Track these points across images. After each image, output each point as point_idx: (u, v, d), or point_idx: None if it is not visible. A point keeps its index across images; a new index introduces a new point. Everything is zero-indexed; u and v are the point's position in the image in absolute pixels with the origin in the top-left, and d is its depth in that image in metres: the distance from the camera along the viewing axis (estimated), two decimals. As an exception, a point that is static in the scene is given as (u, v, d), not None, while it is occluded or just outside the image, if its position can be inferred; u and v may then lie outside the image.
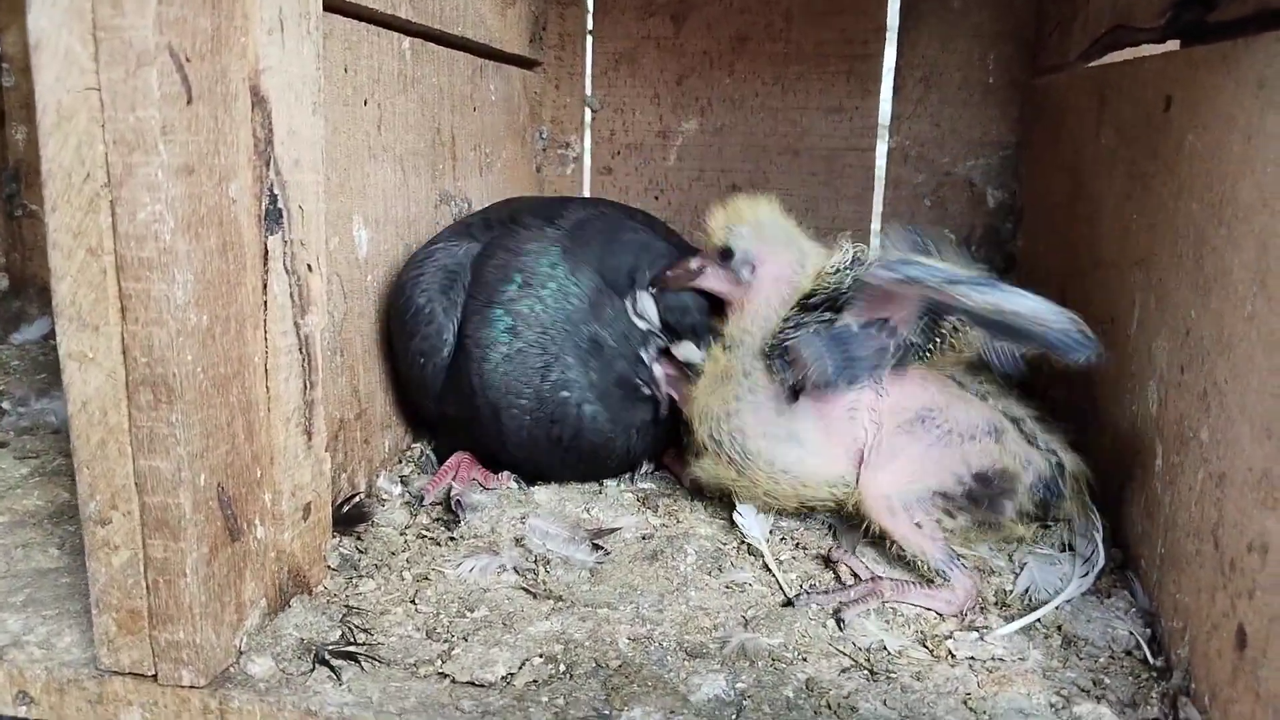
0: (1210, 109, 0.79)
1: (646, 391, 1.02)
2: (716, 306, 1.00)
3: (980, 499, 0.89)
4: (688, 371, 0.99)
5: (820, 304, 0.92)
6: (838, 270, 0.92)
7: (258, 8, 0.73)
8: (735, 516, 0.97)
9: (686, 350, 1.00)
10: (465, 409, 1.03)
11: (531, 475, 1.07)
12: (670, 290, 1.01)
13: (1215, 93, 0.78)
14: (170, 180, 0.65)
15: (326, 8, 0.87)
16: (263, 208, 0.75)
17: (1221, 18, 0.81)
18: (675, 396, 1.01)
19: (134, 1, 0.62)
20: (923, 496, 0.89)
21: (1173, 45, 0.97)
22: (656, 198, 1.70)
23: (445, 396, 1.05)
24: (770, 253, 0.95)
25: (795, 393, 0.92)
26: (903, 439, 0.90)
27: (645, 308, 1.01)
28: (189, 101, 0.66)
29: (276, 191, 0.76)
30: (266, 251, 0.76)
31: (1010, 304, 0.81)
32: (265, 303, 0.77)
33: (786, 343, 0.91)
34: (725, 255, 0.97)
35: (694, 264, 0.99)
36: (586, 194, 1.74)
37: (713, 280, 0.98)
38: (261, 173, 0.75)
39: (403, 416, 1.15)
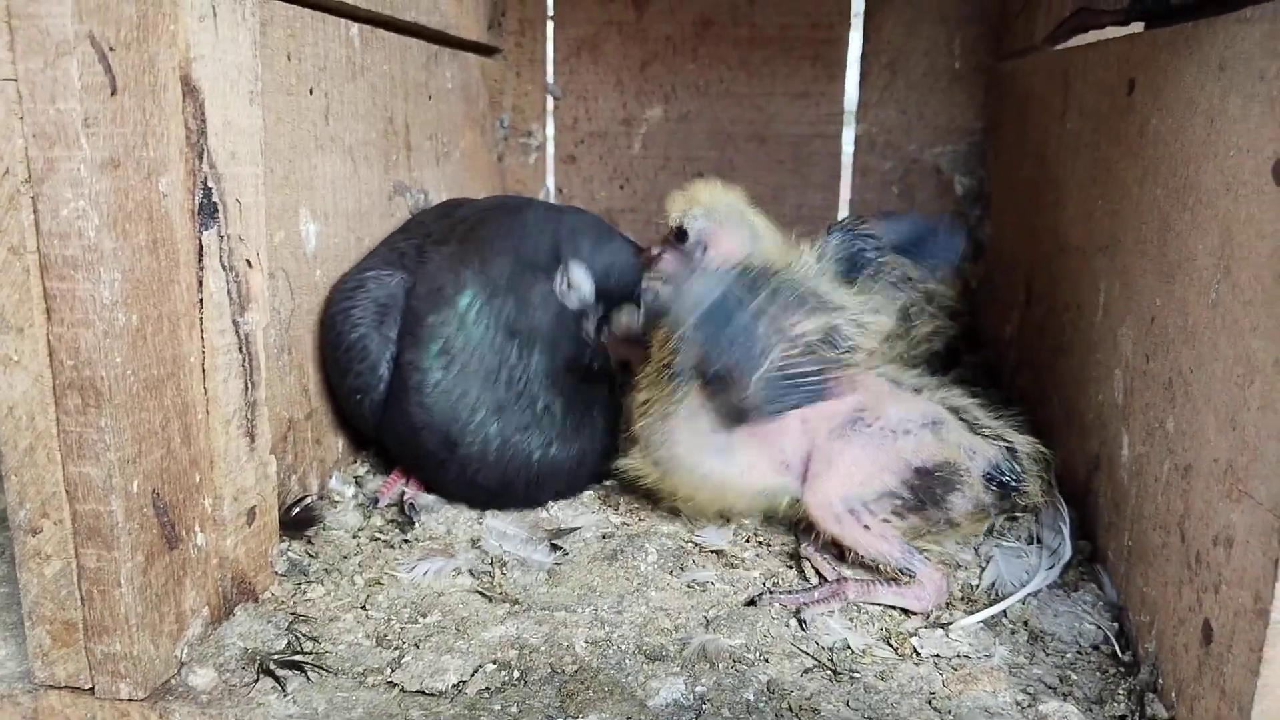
0: (1173, 92, 0.77)
1: (597, 366, 0.97)
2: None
3: (925, 495, 0.87)
4: (629, 340, 0.96)
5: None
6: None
7: (188, -7, 0.70)
8: (694, 537, 0.95)
9: (627, 317, 0.95)
10: (408, 444, 0.98)
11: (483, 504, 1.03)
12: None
13: (1177, 75, 0.77)
14: (94, 175, 0.62)
15: (266, -7, 0.84)
16: (196, 202, 0.72)
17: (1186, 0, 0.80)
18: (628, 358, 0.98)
19: (50, -14, 0.59)
20: (867, 499, 0.86)
21: (1137, 28, 0.95)
22: (621, 186, 1.68)
23: (385, 429, 1.00)
24: (722, 234, 0.95)
25: (739, 415, 0.88)
26: (837, 444, 0.87)
27: (577, 278, 0.94)
28: (113, 93, 0.63)
29: (211, 185, 0.73)
30: (201, 247, 0.73)
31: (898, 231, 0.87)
32: (201, 301, 0.74)
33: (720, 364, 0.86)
34: (680, 237, 0.97)
35: (654, 249, 1.00)
36: (551, 183, 1.71)
37: (670, 264, 0.98)
38: (194, 166, 0.72)
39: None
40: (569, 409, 0.97)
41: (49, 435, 0.66)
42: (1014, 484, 0.89)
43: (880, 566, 0.85)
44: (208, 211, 0.73)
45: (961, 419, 0.90)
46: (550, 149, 1.70)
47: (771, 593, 0.84)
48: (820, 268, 0.93)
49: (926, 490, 0.87)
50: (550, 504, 1.02)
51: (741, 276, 0.87)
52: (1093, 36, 1.12)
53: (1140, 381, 0.82)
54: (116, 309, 0.64)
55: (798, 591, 0.85)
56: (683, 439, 0.89)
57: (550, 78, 1.66)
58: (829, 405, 0.88)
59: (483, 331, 0.94)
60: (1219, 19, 0.70)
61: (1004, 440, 0.90)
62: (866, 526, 0.86)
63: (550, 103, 1.68)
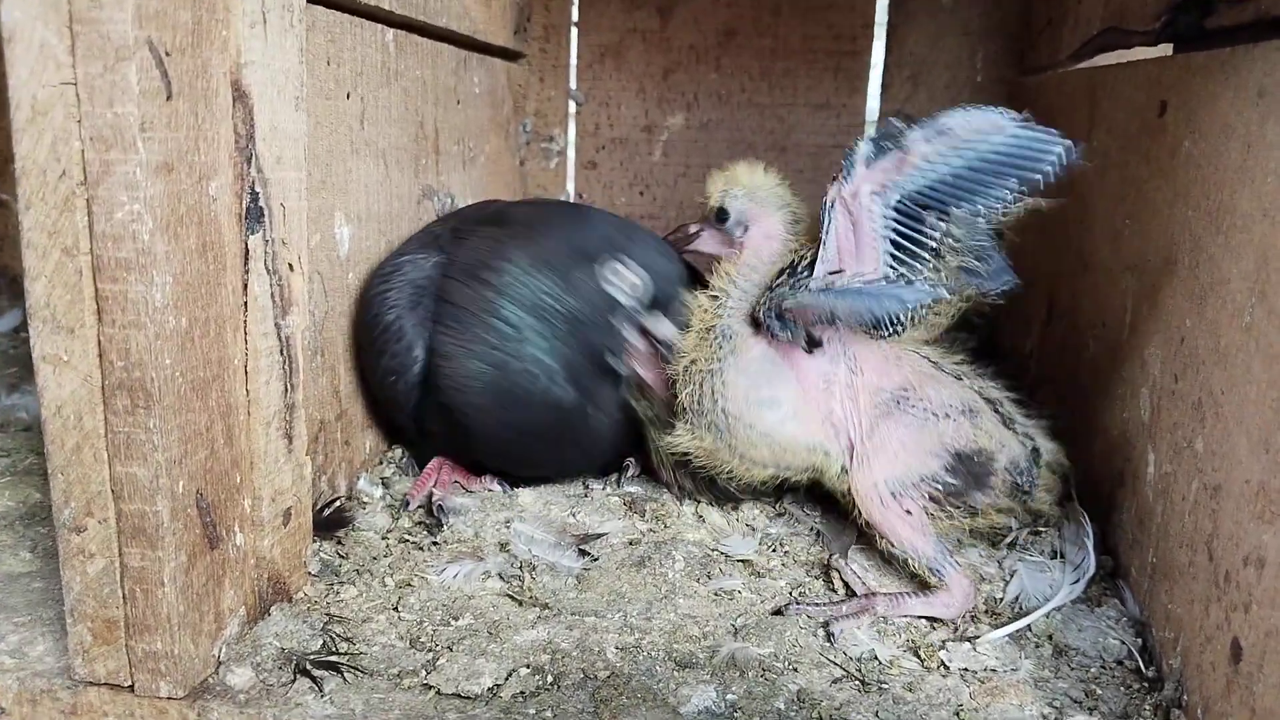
0: (1208, 116, 0.78)
1: (616, 365, 0.98)
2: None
3: (965, 479, 0.88)
4: (662, 350, 0.97)
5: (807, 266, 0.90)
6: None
7: (240, 0, 0.71)
8: (720, 546, 0.96)
9: (657, 323, 0.97)
10: (442, 419, 1.00)
11: (515, 475, 1.05)
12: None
13: (1213, 100, 0.78)
14: (149, 178, 0.63)
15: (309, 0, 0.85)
16: (243, 206, 0.73)
17: (1219, 23, 0.81)
18: (644, 376, 0.98)
19: (112, -7, 0.60)
20: (910, 481, 0.88)
21: (1166, 49, 0.96)
22: (641, 193, 1.69)
23: (421, 411, 1.02)
24: (763, 213, 0.96)
25: (811, 343, 0.90)
26: (887, 424, 0.88)
27: (620, 274, 0.97)
28: (169, 97, 0.64)
29: (258, 189, 0.74)
30: (247, 251, 0.74)
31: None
32: (246, 304, 0.75)
33: (784, 304, 0.88)
34: (720, 217, 0.97)
35: (692, 228, 1.01)
36: (571, 188, 1.72)
37: (708, 243, 1.00)
38: (242, 170, 0.73)
39: (383, 417, 1.13)
40: (589, 392, 0.99)
41: (96, 435, 0.67)
42: (1026, 488, 0.90)
43: (910, 563, 0.86)
44: (254, 215, 0.74)
45: (996, 411, 0.91)
46: (571, 154, 1.71)
47: (799, 603, 0.85)
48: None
49: (966, 475, 0.88)
50: (590, 491, 1.06)
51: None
52: (1119, 55, 1.13)
53: (1168, 401, 0.82)
54: (167, 311, 0.65)
55: (825, 604, 0.86)
56: (734, 394, 0.90)
57: (573, 84, 1.67)
58: (873, 378, 0.90)
59: (528, 299, 0.96)
60: (1257, 46, 0.71)
61: (1031, 441, 0.91)
62: (908, 512, 0.87)
63: (572, 108, 1.69)
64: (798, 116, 1.62)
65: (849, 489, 0.90)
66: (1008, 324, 1.54)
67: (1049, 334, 1.27)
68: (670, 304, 0.98)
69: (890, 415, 0.89)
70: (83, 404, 0.66)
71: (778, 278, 0.92)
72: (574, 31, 1.65)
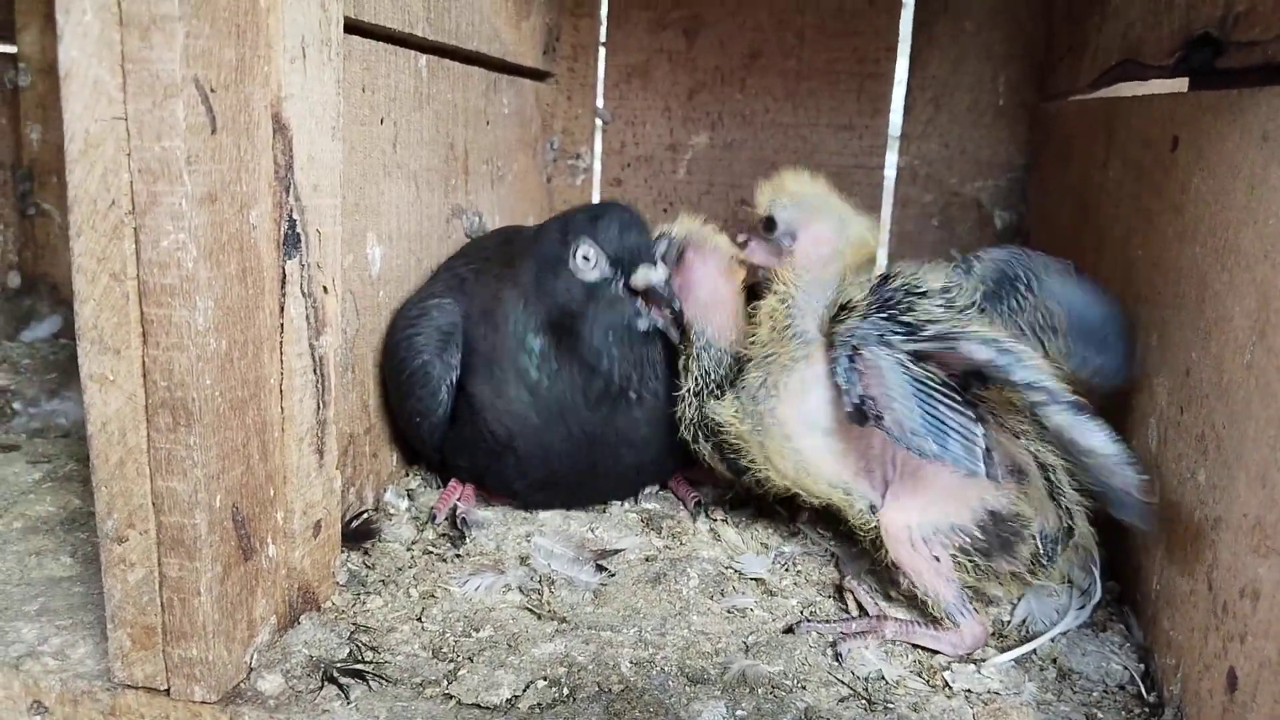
0: (1216, 154, 0.80)
1: (643, 326, 0.99)
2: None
3: (994, 540, 0.87)
4: (666, 300, 0.98)
5: (892, 307, 0.88)
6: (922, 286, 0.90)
7: (281, 37, 0.74)
8: (734, 563, 0.98)
9: (645, 275, 0.98)
10: (473, 454, 1.04)
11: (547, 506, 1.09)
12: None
13: (1221, 139, 0.79)
14: (194, 209, 0.66)
15: (346, 29, 0.88)
16: (281, 233, 0.77)
17: (1230, 64, 0.82)
18: (676, 309, 0.99)
19: (162, 34, 0.63)
20: (941, 529, 0.88)
21: (1181, 84, 0.98)
22: (665, 210, 1.71)
23: (448, 447, 1.06)
24: (810, 219, 0.97)
25: (860, 414, 0.87)
26: (927, 470, 0.88)
27: (586, 253, 0.98)
28: (213, 131, 0.68)
29: (295, 217, 0.78)
30: (284, 276, 0.77)
31: (1084, 439, 0.77)
32: (282, 325, 0.78)
33: (855, 342, 0.86)
34: (769, 226, 0.99)
35: (740, 238, 1.03)
36: (596, 204, 1.75)
37: (757, 253, 1.01)
38: (281, 198, 0.76)
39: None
40: (615, 402, 1.01)
41: (139, 450, 0.70)
42: (1045, 562, 0.89)
43: (929, 604, 0.87)
44: (291, 242, 0.78)
45: (1046, 479, 0.87)
46: (597, 171, 1.74)
47: (809, 621, 0.88)
48: (968, 283, 0.94)
49: (996, 536, 0.87)
50: (609, 508, 1.09)
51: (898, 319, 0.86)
52: (1136, 87, 1.15)
53: (1174, 432, 0.84)
54: (209, 334, 0.69)
55: (835, 621, 0.88)
56: (791, 400, 0.92)
57: (600, 103, 1.71)
58: None
59: (530, 339, 0.99)
60: (1263, 90, 0.72)
61: (1069, 519, 0.88)
62: (936, 558, 0.87)
63: (599, 127, 1.72)
64: (820, 136, 1.64)
65: (876, 525, 0.90)
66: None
67: (1064, 358, 1.28)
68: (645, 257, 0.99)
69: (931, 463, 0.86)
70: (127, 421, 0.70)
71: (844, 310, 0.90)
72: (602, 51, 1.69)
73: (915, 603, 0.91)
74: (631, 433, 1.02)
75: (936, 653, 0.86)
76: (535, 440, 1.00)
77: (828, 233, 0.97)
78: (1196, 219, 0.83)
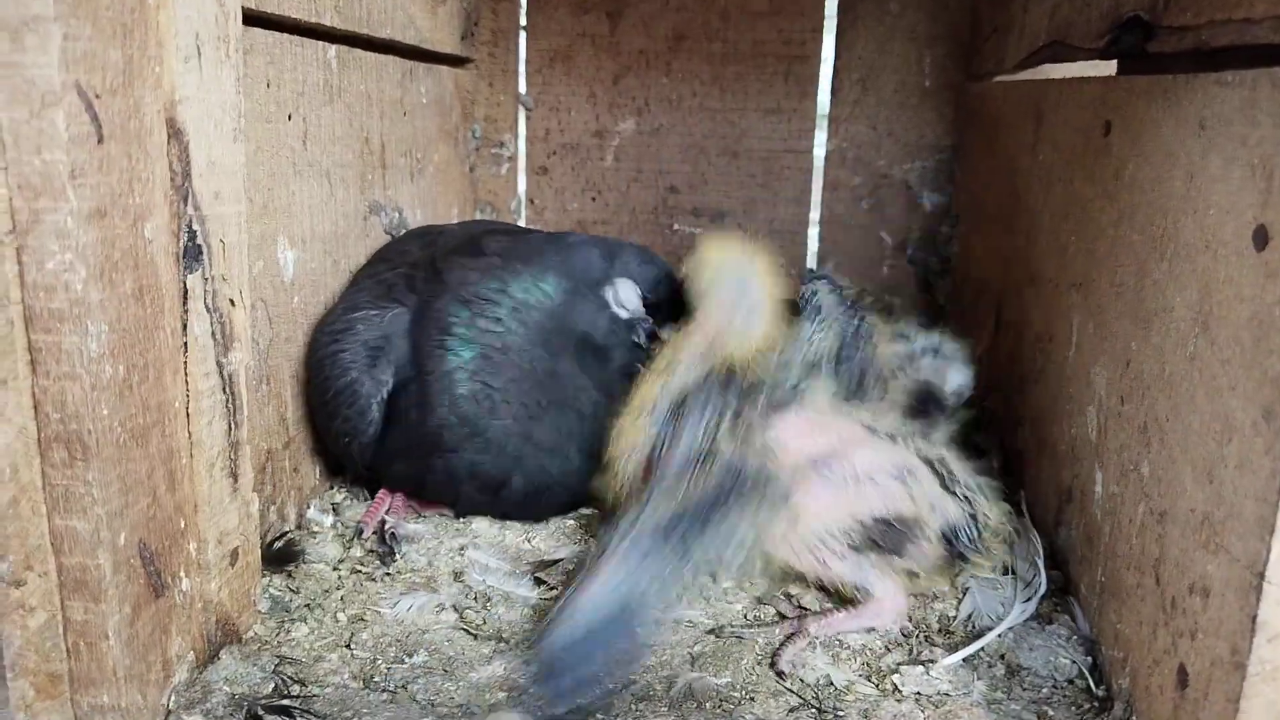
0: (1151, 142, 0.79)
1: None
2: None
3: (884, 542, 0.87)
4: None
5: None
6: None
7: (173, 35, 0.69)
8: None
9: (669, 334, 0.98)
10: (418, 460, 0.99)
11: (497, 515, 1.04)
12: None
13: (1155, 126, 0.78)
14: (81, 226, 0.61)
15: (247, 20, 0.83)
16: (181, 245, 0.71)
17: (1162, 49, 0.81)
18: None
19: (36, 36, 0.58)
20: (824, 536, 0.87)
21: (1110, 66, 0.97)
22: (594, 199, 1.68)
23: (379, 462, 1.01)
24: (714, 307, 0.94)
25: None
26: (803, 489, 0.86)
27: (626, 294, 1.00)
28: (100, 141, 0.62)
29: (196, 227, 0.72)
30: (186, 291, 0.72)
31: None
32: (185, 344, 0.73)
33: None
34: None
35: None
36: (522, 194, 1.71)
37: None
38: (179, 209, 0.71)
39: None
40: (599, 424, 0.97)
41: (34, 488, 0.65)
42: (964, 552, 0.90)
43: (839, 589, 0.87)
44: (192, 254, 0.72)
45: (936, 471, 0.89)
46: (522, 160, 1.69)
47: (732, 627, 0.85)
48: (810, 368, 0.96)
49: (884, 538, 0.87)
50: (549, 520, 1.05)
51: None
52: (1065, 69, 1.14)
53: (1114, 422, 0.83)
54: (103, 361, 0.64)
55: (754, 625, 0.86)
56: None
57: (523, 88, 1.66)
58: (800, 442, 0.89)
59: (521, 338, 0.96)
60: (1198, 77, 0.71)
61: (971, 506, 0.90)
62: (824, 563, 0.87)
63: (522, 114, 1.67)
64: (749, 121, 1.61)
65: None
66: (959, 330, 1.55)
67: (998, 343, 1.28)
68: (664, 305, 1.01)
69: (809, 480, 0.87)
70: (18, 457, 0.64)
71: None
72: (523, 36, 1.64)
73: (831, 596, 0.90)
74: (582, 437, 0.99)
75: (886, 651, 0.84)
76: (489, 434, 0.96)
77: (712, 323, 0.93)
78: (1133, 206, 0.82)
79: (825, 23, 1.58)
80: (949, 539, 0.88)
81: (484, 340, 0.95)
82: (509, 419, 0.95)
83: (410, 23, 1.28)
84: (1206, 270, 0.68)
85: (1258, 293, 0.60)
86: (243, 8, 0.78)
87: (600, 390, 0.98)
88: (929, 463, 0.90)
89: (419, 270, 1.02)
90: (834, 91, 1.61)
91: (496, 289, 0.97)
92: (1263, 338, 0.59)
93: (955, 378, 1.09)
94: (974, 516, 0.90)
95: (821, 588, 0.90)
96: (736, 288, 0.94)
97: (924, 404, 1.12)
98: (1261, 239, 0.60)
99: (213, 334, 0.75)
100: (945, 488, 0.89)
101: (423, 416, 0.96)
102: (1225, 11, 0.69)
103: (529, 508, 1.01)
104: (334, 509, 1.05)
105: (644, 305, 1.01)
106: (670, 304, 1.00)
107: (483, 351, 0.95)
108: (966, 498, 0.90)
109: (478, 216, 1.68)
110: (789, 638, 0.84)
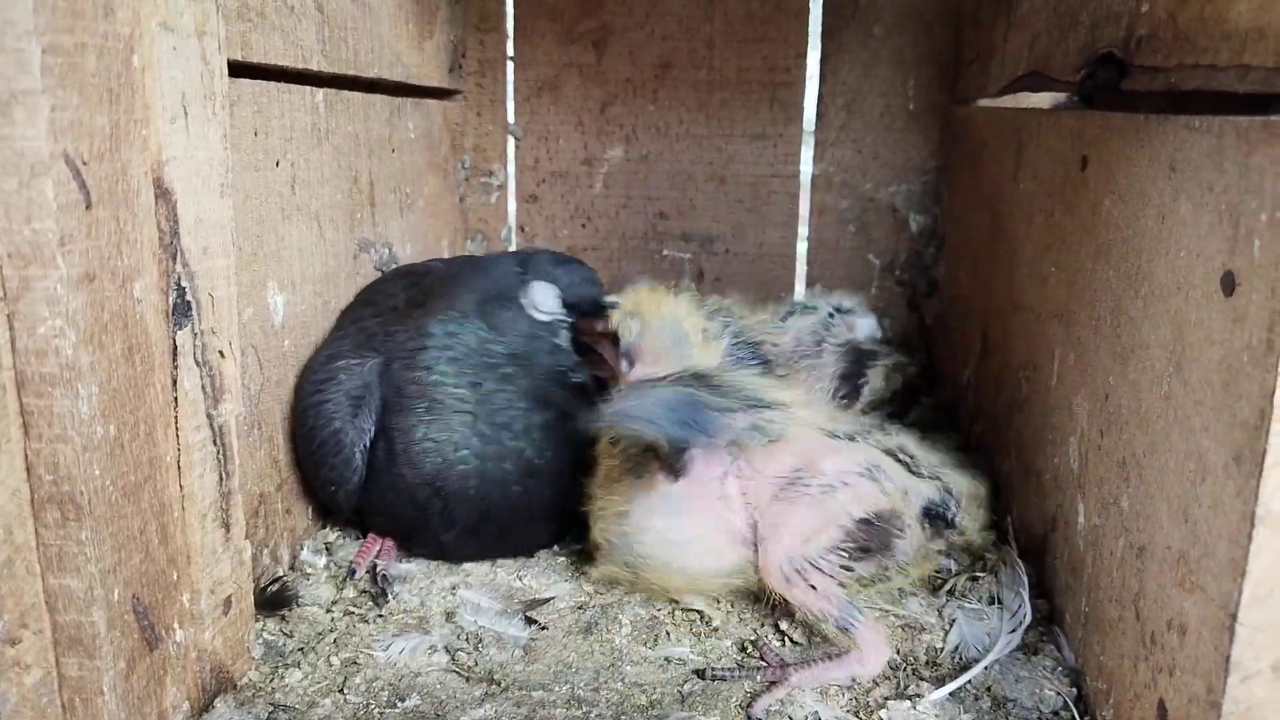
0: (1125, 179, 0.80)
1: (579, 379, 1.01)
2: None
3: (871, 542, 0.89)
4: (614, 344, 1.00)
5: None
6: None
7: (159, 96, 0.70)
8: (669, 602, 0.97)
9: (595, 323, 1.01)
10: (396, 512, 1.00)
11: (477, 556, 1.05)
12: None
13: (1129, 164, 0.79)
14: (70, 292, 0.62)
15: (233, 71, 0.84)
16: (170, 303, 0.72)
17: (1135, 87, 0.82)
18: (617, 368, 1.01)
19: (24, 110, 0.59)
20: (813, 557, 0.87)
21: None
22: (583, 225, 1.69)
23: (367, 507, 1.02)
24: (649, 355, 0.97)
25: (673, 472, 0.90)
26: (779, 507, 0.89)
27: (542, 297, 1.00)
28: (88, 207, 0.63)
29: (185, 284, 0.74)
30: (175, 348, 0.73)
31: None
32: (175, 399, 0.74)
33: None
34: (614, 340, 1.00)
35: (599, 327, 1.02)
36: (512, 222, 1.72)
37: (607, 353, 1.02)
38: (168, 267, 0.72)
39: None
40: (548, 435, 0.99)
41: (28, 548, 0.66)
42: (950, 518, 0.93)
43: (823, 626, 0.87)
44: (181, 311, 0.73)
45: (899, 460, 0.93)
46: (512, 188, 1.70)
47: (714, 669, 0.86)
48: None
49: (871, 538, 0.89)
50: (537, 553, 1.05)
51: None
52: (1045, 97, 1.15)
53: (1095, 455, 0.85)
54: (95, 422, 0.65)
55: (738, 671, 0.86)
56: (645, 537, 0.90)
57: (511, 118, 1.67)
58: (766, 469, 0.91)
59: (455, 373, 0.97)
60: (1169, 119, 0.72)
61: (940, 478, 0.94)
62: (813, 586, 0.87)
63: (511, 143, 1.68)
64: (735, 147, 1.62)
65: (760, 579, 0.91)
66: (945, 350, 1.56)
67: (984, 368, 1.29)
68: (594, 305, 1.02)
69: (785, 498, 0.89)
70: (12, 519, 0.65)
71: None
72: (510, 66, 1.65)
73: (816, 633, 0.91)
74: (552, 472, 1.00)
75: (874, 685, 0.85)
76: (464, 480, 0.97)
77: (659, 369, 0.96)
78: (1109, 242, 0.83)
79: (809, 48, 1.59)
80: (929, 514, 0.92)
81: (430, 394, 0.97)
82: (464, 466, 0.97)
83: (397, 60, 1.30)
84: (1179, 311, 0.69)
85: (1227, 337, 0.61)
86: (229, 60, 0.79)
87: (535, 405, 0.99)
88: (891, 453, 0.93)
89: (395, 321, 1.03)
90: (819, 116, 1.62)
91: (423, 337, 0.98)
92: (1232, 382, 0.60)
93: (863, 326, 1.17)
94: (948, 489, 0.93)
95: (801, 623, 0.92)
96: (673, 338, 0.97)
97: (857, 362, 1.23)
98: (1229, 284, 0.62)
99: (203, 388, 0.76)
100: (912, 472, 0.92)
101: (392, 475, 0.98)
102: (1193, 56, 0.71)
103: (511, 544, 1.03)
104: (327, 549, 1.06)
105: (564, 306, 1.01)
106: (593, 305, 1.01)
107: (428, 405, 0.97)
108: (935, 474, 0.93)
109: (469, 246, 1.69)
110: (770, 686, 0.84)
